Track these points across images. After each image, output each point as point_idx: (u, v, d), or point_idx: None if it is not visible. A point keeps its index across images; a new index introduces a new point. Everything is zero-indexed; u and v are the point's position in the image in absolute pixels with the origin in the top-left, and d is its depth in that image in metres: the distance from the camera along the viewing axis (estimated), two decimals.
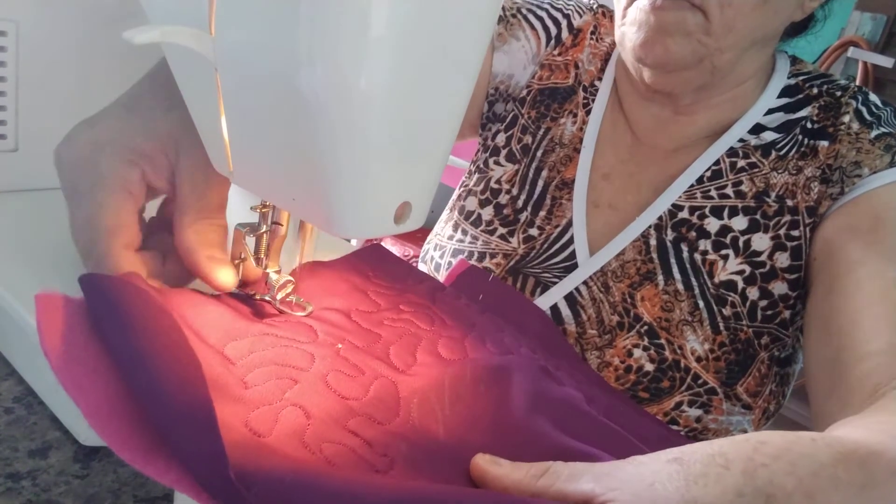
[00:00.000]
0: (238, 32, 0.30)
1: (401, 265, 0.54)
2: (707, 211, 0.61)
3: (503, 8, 0.74)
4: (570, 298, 0.62)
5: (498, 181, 0.70)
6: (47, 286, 0.32)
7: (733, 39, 0.56)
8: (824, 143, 0.60)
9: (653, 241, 0.62)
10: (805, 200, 0.59)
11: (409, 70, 0.30)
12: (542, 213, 0.66)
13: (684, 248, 0.61)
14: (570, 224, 0.65)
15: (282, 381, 0.34)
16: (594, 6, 0.74)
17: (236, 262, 0.42)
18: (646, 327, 0.59)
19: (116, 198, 0.37)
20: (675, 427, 0.58)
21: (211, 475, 0.24)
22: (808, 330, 0.55)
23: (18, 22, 0.50)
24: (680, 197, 0.62)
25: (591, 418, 0.38)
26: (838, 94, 0.62)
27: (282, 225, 0.41)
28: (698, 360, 0.58)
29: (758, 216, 0.60)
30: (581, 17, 0.73)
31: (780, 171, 0.61)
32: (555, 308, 0.62)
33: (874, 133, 0.59)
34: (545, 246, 0.65)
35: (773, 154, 0.61)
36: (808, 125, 0.62)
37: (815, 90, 0.63)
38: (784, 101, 0.64)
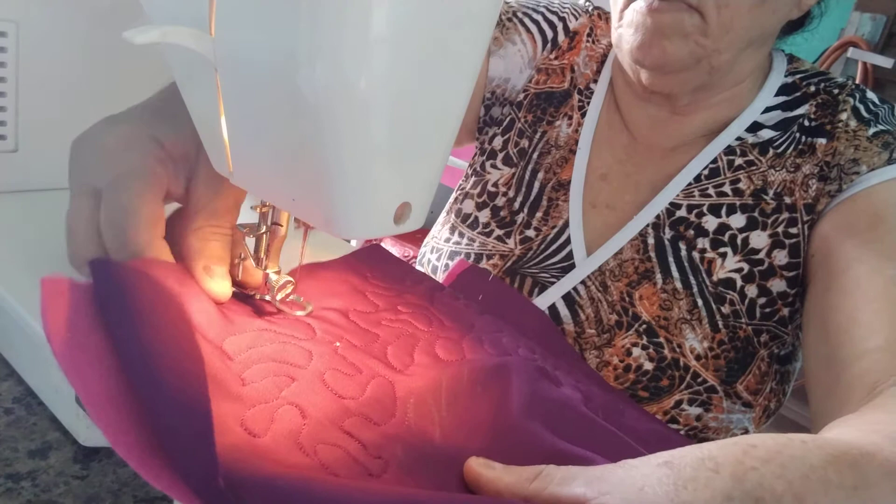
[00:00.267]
0: (238, 32, 0.30)
1: (399, 266, 0.54)
2: (705, 209, 0.61)
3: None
4: (567, 298, 0.62)
5: (495, 184, 0.70)
6: None
7: (730, 40, 0.57)
8: (822, 141, 0.60)
9: (651, 240, 0.62)
10: (803, 198, 0.59)
11: (410, 70, 0.30)
12: (539, 215, 0.67)
13: (682, 246, 0.61)
14: (566, 225, 0.65)
15: (279, 378, 0.34)
16: (590, 9, 0.75)
17: (236, 262, 0.42)
18: (644, 326, 0.59)
19: (153, 190, 0.37)
20: (675, 426, 0.58)
21: (202, 483, 0.24)
22: (807, 328, 0.55)
23: (18, 22, 0.50)
24: (678, 195, 0.62)
25: (587, 420, 0.38)
26: (836, 91, 0.62)
27: (282, 225, 0.41)
28: (697, 358, 0.58)
29: (756, 214, 0.60)
30: (577, 19, 0.73)
31: (777, 169, 0.61)
32: (553, 308, 0.62)
33: (872, 130, 0.59)
34: (542, 247, 0.65)
35: (771, 152, 0.62)
36: (806, 123, 0.62)
37: (813, 88, 0.63)
38: (781, 99, 0.64)
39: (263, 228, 0.41)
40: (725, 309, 0.59)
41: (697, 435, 0.59)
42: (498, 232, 0.68)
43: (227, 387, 0.32)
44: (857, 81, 0.64)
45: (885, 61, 1.86)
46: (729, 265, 0.60)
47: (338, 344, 0.39)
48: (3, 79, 0.51)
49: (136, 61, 0.55)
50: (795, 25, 0.66)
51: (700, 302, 0.59)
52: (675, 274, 0.60)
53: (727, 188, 0.61)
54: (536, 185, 0.68)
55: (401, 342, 0.42)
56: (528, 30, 0.73)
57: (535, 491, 0.29)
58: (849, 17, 1.95)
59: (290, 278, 0.42)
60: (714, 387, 0.58)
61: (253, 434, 0.30)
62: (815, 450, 0.29)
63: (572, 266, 0.63)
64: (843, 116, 0.60)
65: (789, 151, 0.61)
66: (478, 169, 0.73)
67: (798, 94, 0.64)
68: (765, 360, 0.59)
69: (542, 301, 0.62)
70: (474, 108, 0.74)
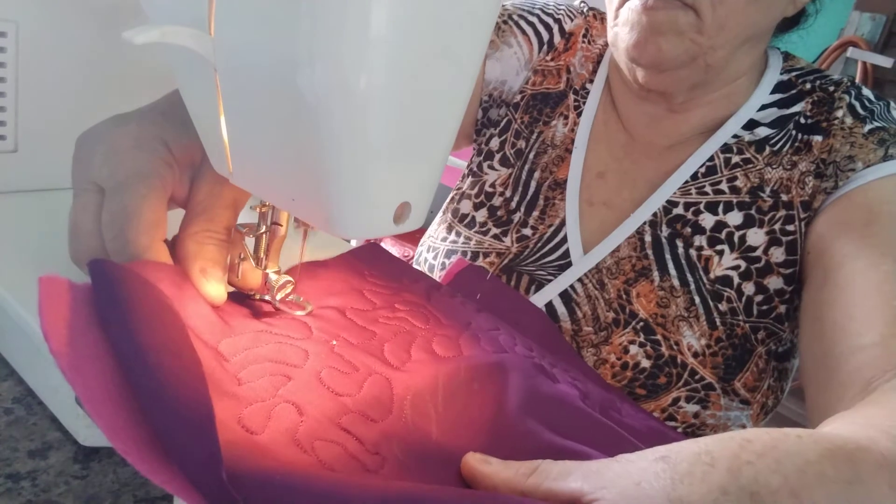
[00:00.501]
0: (238, 32, 0.30)
1: (397, 264, 0.54)
2: (702, 207, 0.61)
3: None
4: (565, 296, 0.62)
5: (492, 185, 0.70)
6: None
7: (726, 37, 0.57)
8: (818, 138, 0.60)
9: (648, 238, 0.62)
10: (800, 195, 0.59)
11: (409, 70, 0.30)
12: (536, 214, 0.67)
13: (679, 244, 0.61)
14: (563, 223, 0.65)
15: (275, 377, 0.34)
16: (585, 9, 0.75)
17: (237, 262, 0.42)
18: (642, 324, 0.59)
19: (157, 193, 0.38)
20: (672, 423, 0.58)
21: (204, 477, 0.24)
22: (803, 324, 0.56)
23: (18, 22, 0.50)
24: (675, 193, 0.62)
25: (584, 416, 0.38)
26: (831, 88, 0.62)
27: (281, 225, 0.41)
28: (695, 355, 0.58)
29: (752, 211, 0.60)
30: (572, 21, 0.73)
31: (774, 167, 0.61)
32: (550, 305, 0.62)
33: (868, 127, 0.59)
34: (539, 245, 0.65)
35: (767, 149, 0.62)
36: (802, 120, 0.62)
37: (809, 85, 0.63)
38: (777, 96, 0.64)
39: (263, 228, 0.41)
40: (723, 306, 0.59)
41: (695, 432, 0.59)
42: (495, 230, 0.68)
43: (223, 387, 0.32)
44: (856, 81, 0.64)
45: (884, 61, 1.86)
46: (726, 262, 0.60)
47: (334, 342, 0.39)
48: (3, 79, 0.51)
49: (135, 61, 0.55)
50: (791, 23, 0.66)
51: (697, 299, 0.59)
52: (673, 271, 0.60)
53: (724, 186, 0.62)
54: (533, 184, 0.68)
55: (398, 339, 0.42)
56: (523, 32, 0.73)
57: (532, 486, 0.29)
58: (848, 17, 1.95)
59: (290, 278, 0.42)
60: (712, 384, 0.58)
61: (251, 431, 0.30)
62: (810, 444, 0.29)
63: (569, 264, 0.63)
64: (839, 114, 0.61)
65: (786, 149, 0.61)
66: (475, 169, 0.73)
67: (794, 91, 0.64)
68: (762, 357, 0.59)
69: (539, 298, 0.62)
70: (472, 111, 0.74)
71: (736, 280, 0.59)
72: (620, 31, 0.59)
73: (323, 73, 0.28)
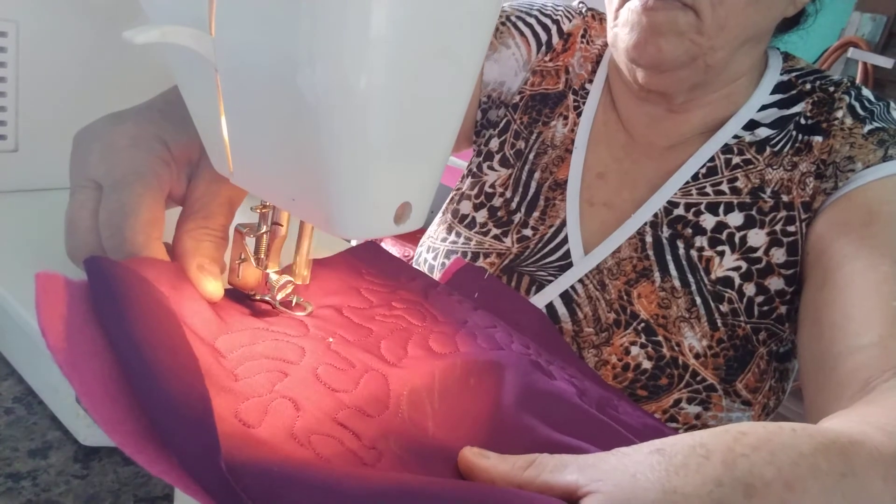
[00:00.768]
0: (238, 32, 0.30)
1: (394, 263, 0.54)
2: (703, 207, 0.61)
3: None
4: (565, 296, 0.62)
5: (492, 185, 0.70)
6: None
7: (726, 37, 0.57)
8: (818, 139, 0.60)
9: (648, 238, 0.62)
10: (800, 196, 0.59)
11: (410, 70, 0.30)
12: (536, 214, 0.67)
13: (680, 244, 0.61)
14: (563, 223, 0.65)
15: (272, 373, 0.34)
16: (583, 10, 0.75)
17: (237, 262, 0.42)
18: (643, 324, 0.59)
19: (154, 191, 0.38)
20: (674, 424, 0.58)
21: (203, 467, 0.24)
22: (801, 325, 0.56)
23: (18, 22, 0.50)
24: (675, 194, 0.62)
25: (580, 411, 0.38)
26: (831, 89, 0.62)
27: (282, 225, 0.41)
28: (696, 356, 0.58)
29: (753, 212, 0.60)
30: (570, 21, 0.73)
31: (774, 167, 0.61)
32: (550, 306, 0.62)
33: (867, 128, 0.59)
34: (539, 245, 0.65)
35: (768, 150, 0.62)
36: (802, 121, 0.62)
37: (809, 86, 0.63)
38: (777, 97, 0.64)
39: (263, 228, 0.41)
40: (724, 307, 0.59)
41: None
42: (495, 231, 0.68)
43: (220, 382, 0.32)
44: (857, 82, 0.64)
45: (885, 61, 1.86)
46: (727, 263, 0.60)
47: (331, 339, 0.39)
48: (3, 79, 0.51)
49: (135, 61, 0.55)
50: (791, 23, 0.66)
51: (698, 300, 0.59)
52: (674, 272, 0.60)
53: (725, 186, 0.62)
54: (533, 184, 0.68)
55: (394, 337, 0.42)
56: (521, 33, 0.73)
57: (529, 479, 0.29)
58: (849, 18, 1.95)
59: (290, 278, 0.42)
60: (713, 385, 0.58)
61: (248, 425, 0.30)
62: (804, 438, 0.29)
63: (570, 265, 0.63)
64: (839, 114, 0.61)
65: (786, 150, 0.61)
66: (474, 170, 0.73)
67: (794, 91, 0.64)
68: (764, 358, 0.59)
69: (540, 299, 0.62)
70: (471, 112, 0.74)
71: (737, 281, 0.59)
72: (620, 32, 0.59)
73: (323, 73, 0.28)
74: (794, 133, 0.62)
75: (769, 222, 0.60)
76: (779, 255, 0.59)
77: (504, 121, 0.72)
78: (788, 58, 0.67)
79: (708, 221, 0.61)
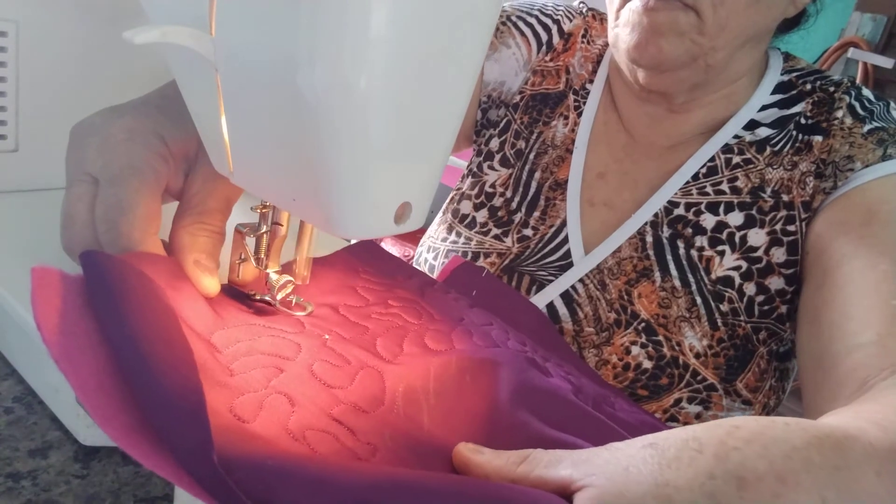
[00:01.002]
0: (238, 32, 0.30)
1: (391, 261, 0.54)
2: (703, 207, 0.62)
3: None
4: (566, 296, 0.62)
5: (492, 185, 0.70)
6: None
7: (727, 38, 0.57)
8: (818, 138, 0.60)
9: (649, 238, 0.62)
10: (801, 195, 0.59)
11: (409, 70, 0.30)
12: (536, 214, 0.67)
13: (680, 244, 0.61)
14: (564, 223, 0.65)
15: (267, 369, 0.34)
16: (584, 10, 0.75)
17: (237, 262, 0.42)
18: (643, 324, 0.59)
19: (150, 186, 0.38)
20: (674, 424, 0.58)
21: (196, 461, 0.24)
22: (801, 323, 0.56)
23: (18, 22, 0.50)
24: (676, 194, 0.62)
25: (575, 408, 0.38)
26: (832, 89, 0.62)
27: (282, 225, 0.41)
28: (697, 356, 0.58)
29: (753, 212, 0.60)
30: (571, 21, 0.73)
31: (775, 167, 0.61)
32: (551, 306, 0.62)
33: (867, 127, 0.59)
34: (540, 245, 0.65)
35: (768, 150, 0.62)
36: (802, 121, 0.62)
37: (809, 86, 0.63)
38: (778, 97, 0.64)
39: (263, 228, 0.41)
40: (724, 307, 0.59)
41: None
42: (495, 231, 0.68)
43: (216, 377, 0.32)
44: (857, 82, 0.64)
45: (885, 62, 1.86)
46: (727, 263, 0.60)
47: (327, 337, 0.40)
48: (3, 79, 0.51)
49: (136, 61, 0.55)
50: (791, 24, 0.66)
51: (699, 300, 0.59)
52: (674, 272, 0.60)
53: (725, 186, 0.62)
54: (534, 184, 0.68)
55: (390, 334, 0.42)
56: (521, 33, 0.73)
57: (523, 474, 0.29)
58: (849, 18, 1.95)
59: (291, 278, 0.42)
60: (714, 385, 0.58)
61: (242, 420, 0.30)
62: (797, 431, 0.29)
63: (570, 264, 0.63)
64: (839, 114, 0.61)
65: (786, 149, 0.61)
66: (475, 170, 0.73)
67: (794, 91, 0.64)
68: (764, 358, 0.59)
69: (540, 299, 0.62)
70: (471, 112, 0.74)
71: (737, 280, 0.59)
72: (621, 32, 0.59)
73: (323, 72, 0.28)
74: (794, 133, 0.62)
75: (769, 222, 0.60)
76: (779, 255, 0.59)
77: (504, 121, 0.72)
78: (789, 58, 0.67)
79: (708, 221, 0.61)
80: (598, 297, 0.61)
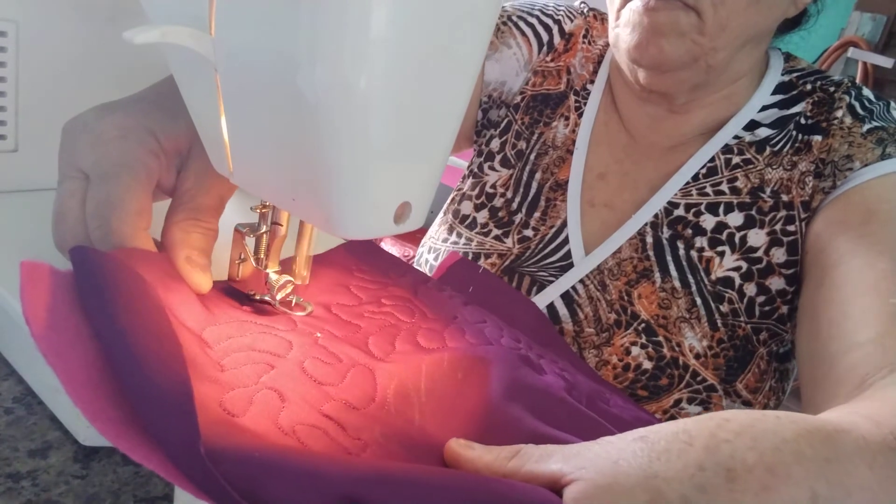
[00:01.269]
0: (238, 33, 0.30)
1: (384, 258, 0.54)
2: (703, 208, 0.62)
3: None
4: (566, 297, 0.62)
5: (493, 186, 0.70)
6: None
7: (727, 38, 0.57)
8: (818, 138, 0.60)
9: (649, 239, 0.62)
10: (800, 195, 0.59)
11: (409, 70, 0.30)
12: (537, 215, 0.67)
13: (680, 245, 0.61)
14: (564, 224, 0.65)
15: (258, 365, 0.34)
16: (585, 10, 0.75)
17: (237, 262, 0.42)
18: (643, 325, 0.59)
19: (142, 183, 0.38)
20: None
21: (183, 453, 0.24)
22: (800, 322, 0.56)
23: (18, 22, 0.50)
24: (676, 194, 0.62)
25: (567, 405, 0.38)
26: (832, 89, 0.62)
27: (282, 225, 0.41)
28: (697, 357, 0.58)
29: (753, 212, 0.60)
30: (572, 21, 0.73)
31: (774, 167, 0.61)
32: (551, 307, 0.62)
33: (866, 127, 0.59)
34: (540, 246, 0.65)
35: (768, 150, 0.62)
36: (802, 121, 0.62)
37: (809, 86, 0.63)
38: (778, 97, 0.64)
39: (263, 228, 0.41)
40: (724, 307, 0.59)
41: None
42: (496, 231, 0.68)
43: (206, 372, 0.32)
44: (857, 81, 0.64)
45: (885, 61, 1.86)
46: (727, 264, 0.60)
47: (318, 334, 0.40)
48: (3, 79, 0.51)
49: (135, 61, 0.55)
50: (792, 24, 0.66)
51: (699, 301, 0.59)
52: (674, 273, 0.60)
53: (724, 187, 0.62)
54: (534, 185, 0.68)
55: (382, 333, 0.42)
56: (522, 33, 0.73)
57: (514, 469, 0.29)
58: (849, 17, 1.95)
59: (290, 278, 0.42)
60: (714, 385, 0.58)
61: (232, 414, 0.30)
62: (788, 424, 0.29)
63: (570, 265, 0.63)
64: (839, 114, 0.61)
65: (786, 149, 0.61)
66: (475, 171, 0.73)
67: (794, 92, 0.64)
68: (764, 359, 0.59)
69: (541, 300, 0.62)
70: (471, 112, 0.74)
71: (737, 281, 0.59)
72: (622, 33, 0.59)
73: (323, 72, 0.28)
74: (793, 133, 0.62)
75: (769, 222, 0.60)
76: (779, 255, 0.59)
77: (505, 121, 0.72)
78: (790, 58, 0.67)
79: (708, 222, 0.61)
80: (599, 297, 0.61)
